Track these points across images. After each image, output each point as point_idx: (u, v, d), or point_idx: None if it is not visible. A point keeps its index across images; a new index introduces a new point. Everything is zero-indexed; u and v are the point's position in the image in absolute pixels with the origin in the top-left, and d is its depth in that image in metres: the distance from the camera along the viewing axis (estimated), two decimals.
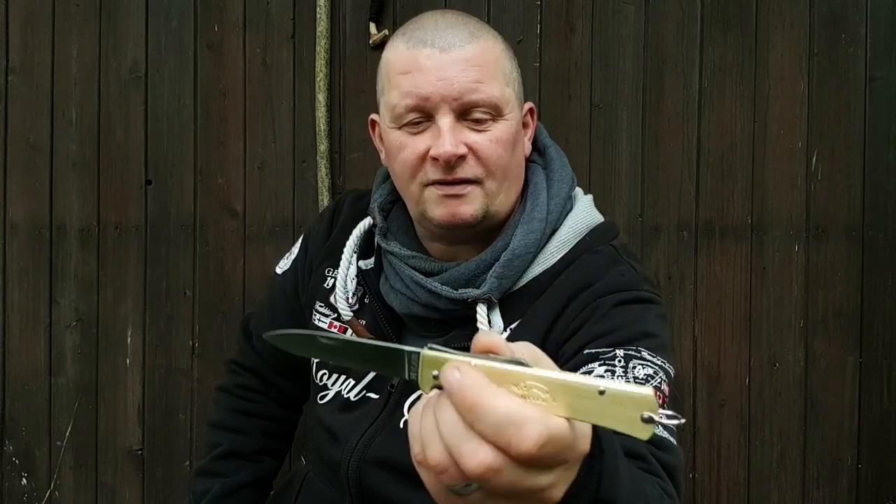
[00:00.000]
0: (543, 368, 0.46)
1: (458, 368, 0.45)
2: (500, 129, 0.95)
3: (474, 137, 0.94)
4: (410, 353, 0.48)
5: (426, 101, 0.93)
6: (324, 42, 1.69)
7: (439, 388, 0.46)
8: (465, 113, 0.94)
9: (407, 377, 0.48)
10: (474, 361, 0.46)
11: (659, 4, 1.64)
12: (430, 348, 0.48)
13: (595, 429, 0.50)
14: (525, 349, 0.48)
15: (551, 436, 0.43)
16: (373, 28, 1.69)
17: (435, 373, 0.47)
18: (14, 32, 1.85)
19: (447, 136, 0.92)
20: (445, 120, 0.93)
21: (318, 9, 1.69)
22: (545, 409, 0.44)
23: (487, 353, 0.47)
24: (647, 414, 0.43)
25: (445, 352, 0.47)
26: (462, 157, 0.94)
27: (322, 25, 1.69)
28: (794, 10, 1.62)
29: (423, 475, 0.48)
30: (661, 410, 0.43)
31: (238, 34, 1.77)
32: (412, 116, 0.95)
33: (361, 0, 1.71)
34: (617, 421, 0.44)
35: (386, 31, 1.68)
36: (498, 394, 0.44)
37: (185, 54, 1.78)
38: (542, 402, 0.44)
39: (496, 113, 0.95)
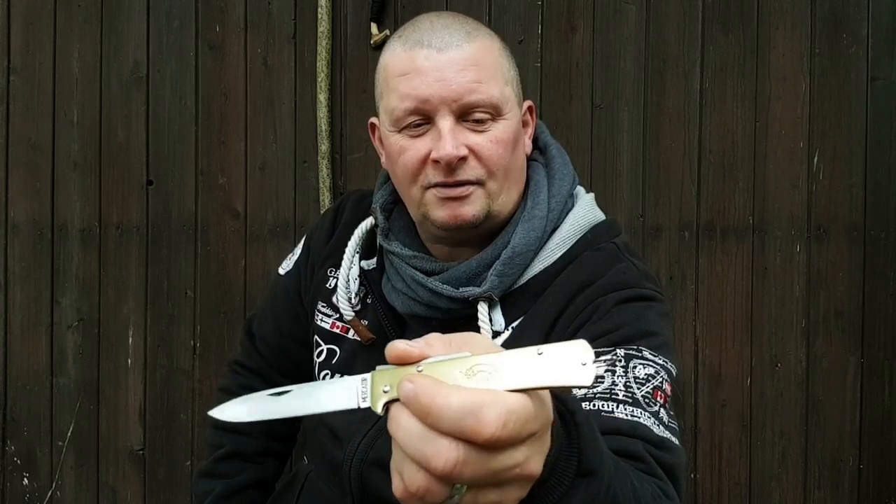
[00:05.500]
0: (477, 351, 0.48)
1: (409, 380, 0.46)
2: (500, 129, 0.95)
3: (474, 138, 0.94)
4: (362, 379, 0.49)
5: (425, 103, 0.93)
6: (325, 42, 1.69)
7: (390, 402, 0.47)
8: (464, 114, 0.94)
9: (359, 406, 0.49)
10: (422, 364, 0.47)
11: (660, 4, 1.64)
12: (378, 369, 0.49)
13: (569, 405, 0.52)
14: (436, 339, 0.49)
15: (510, 412, 0.44)
16: (374, 28, 1.69)
17: (385, 387, 0.48)
18: (16, 33, 1.85)
19: (448, 139, 0.92)
20: (445, 122, 0.93)
21: (319, 9, 1.69)
22: (496, 388, 0.45)
23: (401, 363, 0.48)
24: (584, 360, 0.45)
25: (391, 368, 0.48)
26: (463, 159, 0.93)
27: (323, 26, 1.69)
28: (795, 9, 1.61)
29: None
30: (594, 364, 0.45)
31: (239, 35, 1.77)
32: (412, 119, 0.95)
33: (362, 0, 1.71)
34: (560, 377, 0.45)
35: (387, 32, 1.68)
36: (451, 391, 0.44)
37: (187, 55, 1.79)
38: (488, 381, 0.46)
39: (496, 113, 0.95)
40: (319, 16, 1.69)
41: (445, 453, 0.44)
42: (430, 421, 0.44)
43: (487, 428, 0.43)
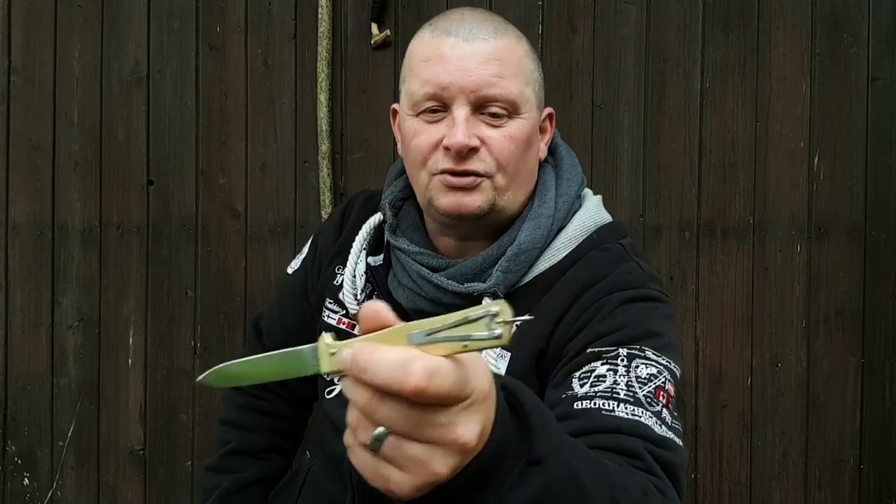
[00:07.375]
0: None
1: (350, 349, 0.49)
2: (514, 127, 0.96)
3: (488, 132, 0.95)
4: (311, 349, 0.53)
5: (444, 90, 0.94)
6: (325, 42, 1.69)
7: (336, 373, 0.51)
8: (481, 106, 0.95)
9: (311, 372, 0.53)
10: (361, 337, 0.50)
11: (661, 4, 1.65)
12: (323, 339, 0.52)
13: (519, 396, 0.55)
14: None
15: (437, 367, 0.46)
16: (374, 28, 1.69)
17: (332, 350, 0.51)
18: (16, 33, 1.85)
19: (461, 127, 0.93)
20: (461, 111, 0.94)
21: (319, 9, 1.69)
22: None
23: (375, 322, 0.51)
24: (497, 326, 0.47)
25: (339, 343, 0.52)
26: (474, 150, 0.95)
27: (324, 26, 1.69)
28: (795, 10, 1.62)
29: (351, 455, 0.52)
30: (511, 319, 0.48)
31: (240, 35, 1.77)
32: (429, 105, 0.96)
33: (363, 1, 1.71)
34: (481, 343, 0.48)
35: (388, 32, 1.68)
36: (385, 350, 0.47)
37: (187, 55, 1.79)
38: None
39: (513, 110, 0.96)
40: (320, 16, 1.69)
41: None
42: (367, 378, 0.47)
43: (413, 377, 0.46)
